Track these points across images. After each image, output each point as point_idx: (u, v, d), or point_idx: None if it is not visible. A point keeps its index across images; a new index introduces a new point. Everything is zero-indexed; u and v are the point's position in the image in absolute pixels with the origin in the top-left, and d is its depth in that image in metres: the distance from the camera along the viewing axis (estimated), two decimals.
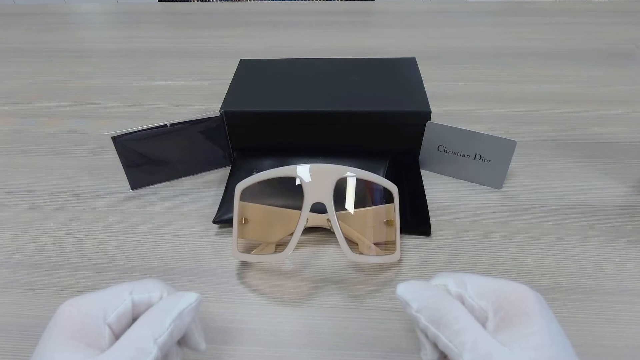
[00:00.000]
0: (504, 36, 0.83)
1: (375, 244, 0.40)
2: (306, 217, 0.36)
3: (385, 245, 0.41)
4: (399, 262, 0.40)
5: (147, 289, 0.27)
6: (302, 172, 0.36)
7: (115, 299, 0.26)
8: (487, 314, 0.25)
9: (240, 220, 0.39)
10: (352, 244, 0.40)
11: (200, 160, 0.50)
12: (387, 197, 0.40)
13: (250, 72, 0.55)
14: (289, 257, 0.40)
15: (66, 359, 0.23)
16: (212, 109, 0.49)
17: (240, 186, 0.38)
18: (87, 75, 0.73)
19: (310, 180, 0.36)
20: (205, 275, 0.40)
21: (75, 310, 0.25)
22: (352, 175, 0.37)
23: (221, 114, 0.48)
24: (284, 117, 0.49)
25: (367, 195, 0.40)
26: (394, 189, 0.39)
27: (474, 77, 0.69)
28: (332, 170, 0.37)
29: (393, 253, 0.39)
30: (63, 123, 0.61)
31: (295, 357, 0.33)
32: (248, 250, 0.41)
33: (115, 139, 0.45)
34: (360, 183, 0.38)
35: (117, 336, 0.25)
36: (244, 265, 0.40)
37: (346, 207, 0.39)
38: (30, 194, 0.49)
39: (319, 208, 0.37)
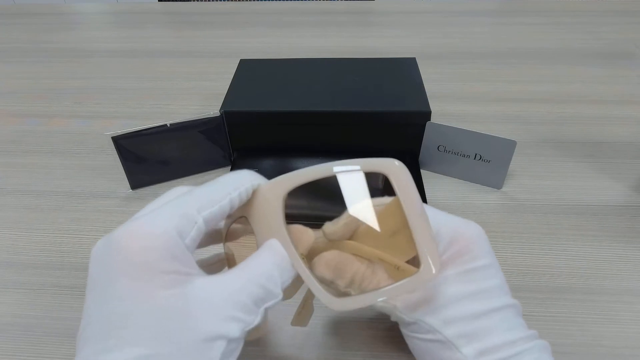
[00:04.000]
0: (504, 36, 0.83)
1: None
2: None
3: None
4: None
5: (213, 198, 0.23)
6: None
7: (186, 224, 0.21)
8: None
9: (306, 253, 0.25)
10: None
11: (200, 160, 0.50)
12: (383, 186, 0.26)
13: (250, 72, 0.55)
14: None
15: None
16: (212, 109, 0.49)
17: (281, 191, 0.24)
18: (87, 75, 0.73)
19: None
20: None
21: (141, 244, 0.20)
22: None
23: (221, 114, 0.48)
24: (284, 117, 0.49)
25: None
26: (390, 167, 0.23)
27: (474, 77, 0.69)
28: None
29: (421, 268, 0.23)
30: (63, 123, 0.61)
31: (295, 357, 0.33)
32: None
33: (115, 139, 0.45)
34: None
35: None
36: None
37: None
38: (30, 194, 0.49)
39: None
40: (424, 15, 0.92)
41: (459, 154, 0.47)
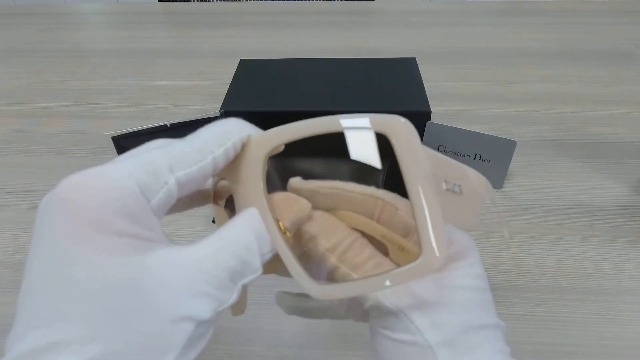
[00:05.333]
0: (504, 36, 0.83)
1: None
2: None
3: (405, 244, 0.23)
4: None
5: (190, 155, 0.18)
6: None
7: (152, 182, 0.17)
8: None
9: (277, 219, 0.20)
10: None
11: None
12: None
13: (250, 72, 0.55)
14: None
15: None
16: (212, 109, 0.49)
17: (264, 150, 0.20)
18: (87, 75, 0.73)
19: None
20: None
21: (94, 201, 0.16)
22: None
23: (221, 114, 0.48)
24: (284, 117, 0.49)
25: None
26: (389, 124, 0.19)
27: (474, 77, 0.69)
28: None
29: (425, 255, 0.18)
30: (63, 123, 0.61)
31: (295, 357, 0.33)
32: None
33: (115, 139, 0.45)
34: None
35: None
36: None
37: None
38: (30, 194, 0.49)
39: None
40: (424, 15, 0.92)
41: (459, 154, 0.47)
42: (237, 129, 0.20)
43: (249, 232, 0.19)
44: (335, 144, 0.19)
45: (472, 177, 0.20)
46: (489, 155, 0.46)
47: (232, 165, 0.20)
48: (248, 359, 0.33)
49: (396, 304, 0.21)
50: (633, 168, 0.50)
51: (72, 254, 0.15)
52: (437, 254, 0.17)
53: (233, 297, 0.18)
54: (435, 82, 0.66)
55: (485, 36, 0.83)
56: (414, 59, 0.57)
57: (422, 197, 0.17)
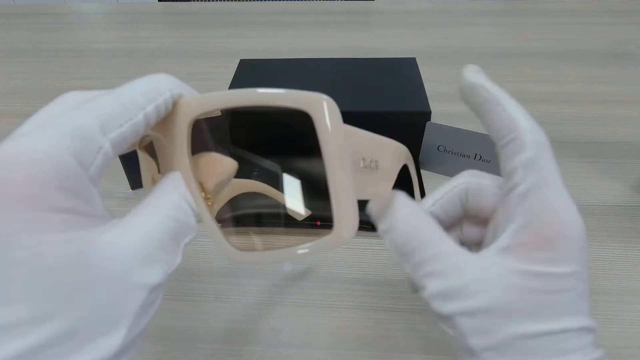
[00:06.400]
0: (504, 36, 0.83)
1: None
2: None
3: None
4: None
5: (120, 113, 0.17)
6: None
7: (86, 148, 0.16)
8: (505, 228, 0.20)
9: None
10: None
11: None
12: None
13: (250, 72, 0.56)
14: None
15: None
16: None
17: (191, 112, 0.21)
18: (87, 75, 0.73)
19: None
20: (205, 275, 0.40)
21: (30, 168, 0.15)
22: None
23: (221, 114, 0.48)
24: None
25: None
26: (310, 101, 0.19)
27: None
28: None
29: (330, 232, 0.19)
30: None
31: (295, 357, 0.33)
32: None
33: None
34: None
35: None
36: (246, 263, 0.40)
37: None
38: None
39: None
40: (424, 15, 0.92)
41: (459, 154, 0.47)
42: (167, 85, 0.20)
43: (178, 194, 0.19)
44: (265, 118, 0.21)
45: (390, 149, 0.22)
46: (489, 155, 0.46)
47: (161, 122, 0.20)
48: (248, 359, 0.33)
49: (444, 308, 0.19)
50: (633, 168, 0.50)
51: (9, 236, 0.14)
52: (345, 232, 0.19)
53: (179, 259, 0.18)
54: (435, 82, 0.66)
55: (485, 36, 0.83)
56: (414, 59, 0.57)
57: (336, 175, 0.19)
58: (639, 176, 0.49)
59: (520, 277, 0.18)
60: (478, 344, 0.18)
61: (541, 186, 0.20)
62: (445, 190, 0.23)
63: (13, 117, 0.63)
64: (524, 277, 0.18)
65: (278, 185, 0.23)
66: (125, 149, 0.18)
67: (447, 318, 0.19)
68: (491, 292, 0.18)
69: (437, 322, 0.20)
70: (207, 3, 1.02)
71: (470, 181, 0.23)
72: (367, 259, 0.40)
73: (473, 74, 0.22)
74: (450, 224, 0.24)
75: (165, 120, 0.20)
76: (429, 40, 0.81)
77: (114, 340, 0.15)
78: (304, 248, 0.20)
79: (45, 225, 0.15)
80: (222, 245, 0.20)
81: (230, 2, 1.05)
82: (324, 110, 0.18)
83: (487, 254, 0.19)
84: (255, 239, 0.22)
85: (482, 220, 0.23)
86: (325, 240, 0.19)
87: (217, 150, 0.22)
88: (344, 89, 0.51)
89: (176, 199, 0.19)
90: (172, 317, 0.36)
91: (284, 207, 0.24)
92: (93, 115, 0.17)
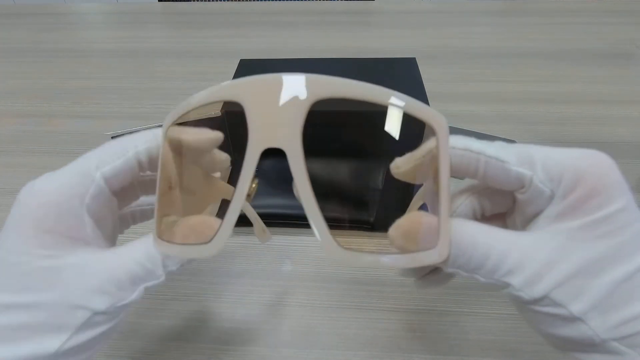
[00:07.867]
0: (504, 36, 0.83)
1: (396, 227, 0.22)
2: (249, 180, 0.20)
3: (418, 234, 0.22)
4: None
5: (116, 153, 0.22)
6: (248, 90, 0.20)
7: (83, 182, 0.21)
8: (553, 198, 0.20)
9: (165, 184, 0.22)
10: (347, 230, 0.25)
11: None
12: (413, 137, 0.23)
13: (250, 72, 0.55)
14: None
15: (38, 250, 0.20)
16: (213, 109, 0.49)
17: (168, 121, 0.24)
18: (87, 75, 0.73)
19: (259, 109, 0.20)
20: (205, 275, 0.40)
21: (39, 200, 0.21)
22: (340, 93, 0.21)
23: (222, 114, 0.48)
24: None
25: (373, 131, 0.24)
26: (436, 119, 0.22)
27: (474, 77, 0.69)
28: (297, 85, 0.19)
29: (434, 247, 0.20)
30: (63, 123, 0.61)
31: (295, 357, 0.33)
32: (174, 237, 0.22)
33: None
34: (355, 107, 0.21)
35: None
36: (246, 263, 0.40)
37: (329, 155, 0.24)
38: None
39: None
40: (424, 15, 0.92)
41: None
42: (156, 133, 0.24)
43: (151, 248, 0.22)
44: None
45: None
46: None
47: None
48: (248, 358, 0.33)
49: (532, 293, 0.19)
50: (633, 168, 0.50)
51: (12, 244, 0.20)
52: (445, 251, 0.20)
53: (132, 297, 0.21)
54: (435, 82, 0.66)
55: (485, 36, 0.83)
56: (414, 59, 0.57)
57: (444, 194, 0.20)
58: (639, 176, 0.49)
59: (585, 231, 0.19)
60: (580, 309, 0.19)
61: (549, 155, 0.23)
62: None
63: (13, 117, 0.63)
64: (588, 230, 0.19)
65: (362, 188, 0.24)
66: (122, 180, 0.22)
67: (540, 299, 0.19)
68: (568, 257, 0.19)
69: (528, 308, 0.20)
70: (207, 3, 1.02)
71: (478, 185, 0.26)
72: None
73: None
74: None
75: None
76: (429, 40, 0.81)
77: (54, 343, 0.19)
78: (405, 260, 0.21)
79: (38, 241, 0.20)
80: (327, 240, 0.20)
81: (230, 2, 1.05)
82: (447, 130, 0.21)
83: (544, 225, 0.21)
84: (352, 239, 0.22)
85: (490, 190, 0.25)
86: (426, 255, 0.20)
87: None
88: None
89: (149, 249, 0.21)
90: (173, 317, 0.37)
91: (363, 209, 0.25)
92: (93, 157, 0.22)
